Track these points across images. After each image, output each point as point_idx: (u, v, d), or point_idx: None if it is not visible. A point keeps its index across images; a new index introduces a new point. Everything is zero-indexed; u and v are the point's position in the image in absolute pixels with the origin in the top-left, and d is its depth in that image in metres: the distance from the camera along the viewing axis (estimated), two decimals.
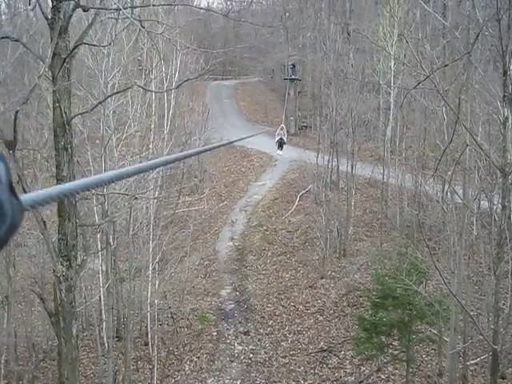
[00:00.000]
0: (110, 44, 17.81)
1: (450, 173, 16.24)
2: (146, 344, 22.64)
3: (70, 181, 12.19)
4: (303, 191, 34.08)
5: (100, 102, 15.92)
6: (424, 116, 27.52)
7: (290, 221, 31.87)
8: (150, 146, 23.27)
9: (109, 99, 18.54)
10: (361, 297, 22.99)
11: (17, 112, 12.04)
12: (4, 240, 0.77)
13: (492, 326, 14.13)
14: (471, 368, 18.60)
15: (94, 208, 20.21)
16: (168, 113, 26.57)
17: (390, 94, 32.67)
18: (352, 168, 29.01)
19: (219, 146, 3.17)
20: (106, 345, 19.24)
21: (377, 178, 30.79)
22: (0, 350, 21.03)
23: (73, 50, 11.91)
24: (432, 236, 23.01)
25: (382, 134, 34.06)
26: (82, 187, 1.14)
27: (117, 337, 22.02)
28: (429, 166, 26.03)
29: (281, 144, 27.25)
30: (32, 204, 0.87)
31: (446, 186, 20.70)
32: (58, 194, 1.03)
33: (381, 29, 32.21)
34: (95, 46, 17.85)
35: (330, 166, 30.83)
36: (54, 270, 12.54)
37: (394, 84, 31.37)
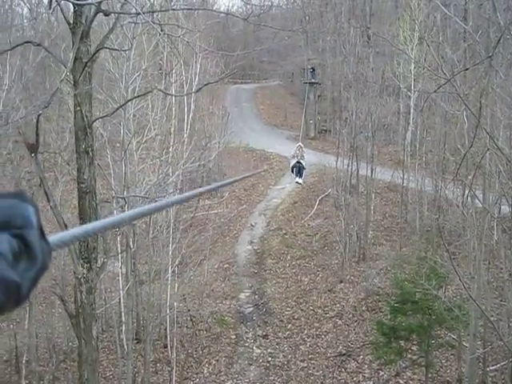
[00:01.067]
0: (130, 48, 17.94)
1: (470, 177, 16.15)
2: (165, 346, 22.74)
3: (91, 183, 12.33)
4: (322, 195, 34.06)
5: (121, 106, 16.08)
6: (444, 120, 27.37)
7: (309, 225, 31.86)
8: (170, 149, 23.39)
9: (129, 103, 18.70)
10: (380, 301, 22.92)
11: (39, 115, 12.19)
12: (35, 280, 0.81)
13: None
14: (491, 374, 18.46)
15: (115, 211, 20.35)
16: (188, 116, 26.68)
17: (410, 97, 32.52)
18: (372, 172, 28.93)
19: (222, 185, 3.02)
20: (126, 347, 19.35)
21: (396, 182, 30.67)
22: (21, 350, 21.27)
23: (94, 54, 12.05)
24: (452, 240, 22.88)
25: (402, 137, 33.95)
26: (104, 227, 1.21)
27: (136, 339, 22.14)
28: (449, 170, 25.89)
29: (299, 170, 22.54)
30: (59, 245, 0.92)
31: (467, 191, 20.57)
32: (83, 234, 1.09)
33: (401, 32, 32.09)
34: (116, 50, 18.01)
35: (349, 170, 30.75)
36: (74, 272, 12.67)
37: (414, 88, 31.24)
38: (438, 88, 13.22)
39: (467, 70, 14.39)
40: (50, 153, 22.57)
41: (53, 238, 0.89)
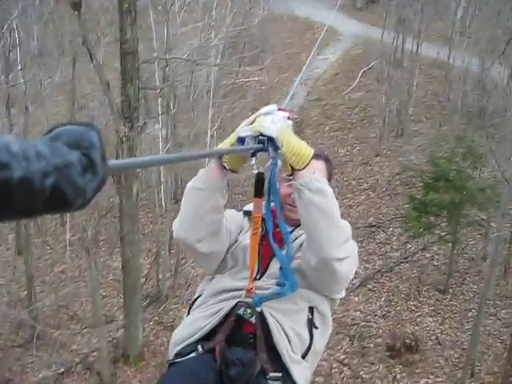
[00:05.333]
0: None
1: None
2: None
3: (133, 44, 12.44)
4: (365, 68, 33.43)
5: None
6: None
7: (349, 97, 31.58)
8: (213, 12, 23.04)
9: None
10: (414, 177, 23.09)
11: None
12: (96, 191, 1.01)
13: None
14: None
15: (156, 73, 20.47)
16: None
17: None
18: (417, 47, 28.13)
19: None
20: (164, 205, 20.10)
21: (442, 60, 29.88)
22: None
23: None
24: (492, 122, 22.65)
25: (453, 13, 32.68)
26: (155, 162, 1.50)
27: (174, 199, 22.90)
28: (498, 49, 25.14)
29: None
30: (116, 169, 1.16)
31: None
32: (136, 164, 1.41)
33: None
34: None
35: (395, 44, 29.97)
36: (116, 131, 13.06)
37: None
38: None
39: None
40: (92, 13, 22.43)
41: (112, 162, 1.11)
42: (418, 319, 17.39)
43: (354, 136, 27.90)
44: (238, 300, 2.73)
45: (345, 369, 16.05)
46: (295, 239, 2.92)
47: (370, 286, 19.05)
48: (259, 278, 2.83)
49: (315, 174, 2.60)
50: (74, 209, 0.95)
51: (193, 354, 2.63)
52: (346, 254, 2.61)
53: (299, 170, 2.59)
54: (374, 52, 32.24)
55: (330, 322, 2.90)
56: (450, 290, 18.24)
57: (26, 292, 19.14)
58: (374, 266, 19.88)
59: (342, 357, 16.44)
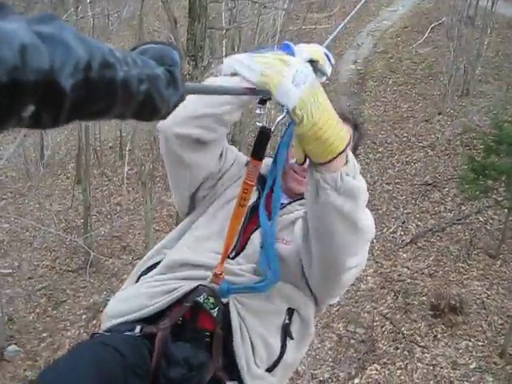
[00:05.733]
0: None
1: None
2: None
3: None
4: (435, 23, 32.50)
5: None
6: None
7: (416, 52, 30.87)
8: None
9: None
10: (475, 139, 22.61)
11: None
12: (176, 104, 1.06)
13: None
14: None
15: (223, 13, 20.38)
16: None
17: None
18: (493, 4, 27.13)
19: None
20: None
21: None
22: (125, 140, 22.88)
23: None
24: None
25: None
26: (222, 90, 1.59)
27: (232, 141, 23.07)
28: None
29: None
30: (190, 91, 1.22)
31: None
32: (207, 89, 1.48)
33: None
34: None
35: (468, 0, 28.95)
36: (181, 68, 13.14)
37: None
38: None
39: None
40: None
41: (187, 83, 1.16)
42: (465, 282, 17.30)
43: (418, 92, 27.39)
44: (200, 283, 2.08)
45: (387, 323, 16.16)
46: (287, 213, 2.26)
47: (419, 244, 18.97)
48: (233, 258, 2.18)
49: (348, 166, 1.67)
50: (158, 117, 1.02)
51: (126, 334, 2.03)
52: (359, 261, 1.99)
53: (322, 164, 1.65)
54: (445, 7, 31.28)
55: (312, 330, 2.24)
56: (501, 256, 18.03)
57: (82, 220, 19.76)
58: (426, 225, 19.74)
59: (385, 311, 16.54)
